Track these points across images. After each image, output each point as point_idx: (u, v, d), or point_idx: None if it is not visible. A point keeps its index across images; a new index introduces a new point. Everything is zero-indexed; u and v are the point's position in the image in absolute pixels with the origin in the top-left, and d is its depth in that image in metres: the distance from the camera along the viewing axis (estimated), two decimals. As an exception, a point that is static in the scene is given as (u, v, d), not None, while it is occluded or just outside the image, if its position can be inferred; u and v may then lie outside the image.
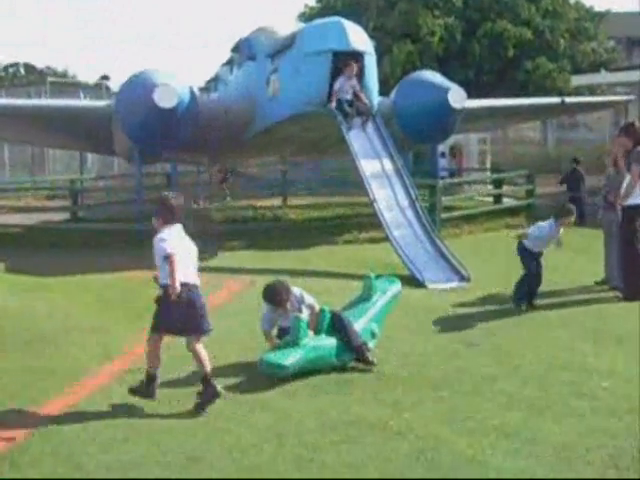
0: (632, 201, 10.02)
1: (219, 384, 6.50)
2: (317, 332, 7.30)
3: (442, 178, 18.60)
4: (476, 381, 6.97)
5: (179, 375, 7.20)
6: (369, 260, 12.81)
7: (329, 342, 7.26)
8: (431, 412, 6.25)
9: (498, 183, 20.62)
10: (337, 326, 7.38)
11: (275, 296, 7.43)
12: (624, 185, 10.08)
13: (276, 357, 6.96)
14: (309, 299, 7.54)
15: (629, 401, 6.43)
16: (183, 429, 5.95)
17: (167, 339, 6.71)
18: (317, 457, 5.43)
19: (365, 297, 8.02)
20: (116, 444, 5.70)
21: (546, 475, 5.12)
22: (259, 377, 7.07)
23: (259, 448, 5.60)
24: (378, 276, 8.51)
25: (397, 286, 8.50)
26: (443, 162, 25.97)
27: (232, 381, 7.04)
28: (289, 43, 15.13)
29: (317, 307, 7.50)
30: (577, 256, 13.23)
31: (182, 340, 6.60)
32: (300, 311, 7.38)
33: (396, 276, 10.87)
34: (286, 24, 18.96)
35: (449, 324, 9.09)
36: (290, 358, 6.91)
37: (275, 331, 7.62)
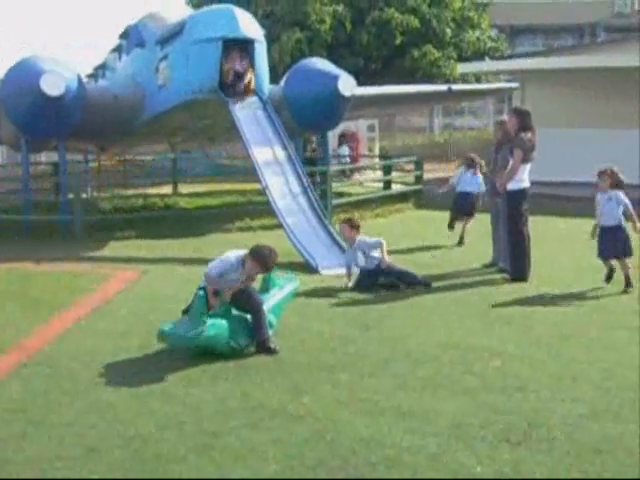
0: (516, 185, 10.34)
1: (113, 376, 6.47)
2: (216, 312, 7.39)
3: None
4: (372, 363, 7.12)
5: (73, 369, 7.13)
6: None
7: (229, 323, 7.32)
8: (329, 395, 6.35)
9: (387, 169, 20.94)
10: (250, 309, 7.47)
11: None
12: (507, 170, 10.40)
13: (175, 328, 7.16)
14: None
15: (519, 379, 6.67)
16: (82, 422, 5.88)
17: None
18: (218, 443, 5.46)
19: (263, 289, 8.07)
20: (13, 440, 5.61)
21: (440, 451, 5.28)
22: (157, 366, 7.08)
23: (159, 437, 5.60)
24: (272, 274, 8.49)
25: (295, 284, 8.57)
26: (345, 150, 26.26)
27: (130, 371, 7.01)
28: (179, 30, 14.99)
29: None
30: (465, 238, 13.58)
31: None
32: None
33: (290, 263, 11.05)
34: (176, 10, 18.68)
35: (344, 309, 9.23)
36: (189, 330, 7.06)
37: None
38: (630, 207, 9.83)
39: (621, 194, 9.84)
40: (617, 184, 9.88)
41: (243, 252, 7.54)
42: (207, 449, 5.38)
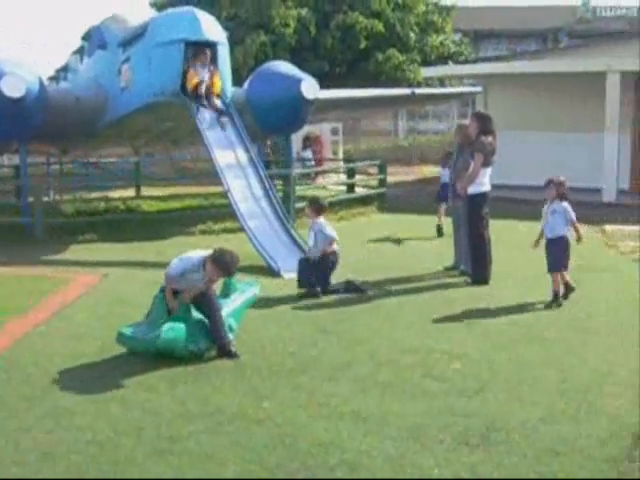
0: (477, 189, 10.42)
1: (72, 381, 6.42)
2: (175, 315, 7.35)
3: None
4: (332, 367, 7.12)
5: (31, 374, 7.07)
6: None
7: (188, 326, 7.29)
8: (289, 399, 6.35)
9: (351, 173, 20.99)
10: (208, 313, 7.45)
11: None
12: (467, 173, 10.47)
13: (134, 331, 7.19)
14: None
15: (478, 381, 6.71)
16: (39, 428, 5.83)
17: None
18: (176, 448, 5.44)
19: (224, 294, 8.05)
20: (-32, 446, 5.56)
21: (399, 454, 5.30)
22: (116, 371, 7.04)
23: (117, 442, 5.56)
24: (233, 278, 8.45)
25: (256, 288, 8.54)
26: (308, 153, 26.26)
27: (89, 375, 6.96)
28: (141, 32, 14.93)
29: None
30: (428, 242, 13.66)
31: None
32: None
33: (252, 266, 11.04)
34: (139, 11, 18.58)
35: (305, 312, 9.22)
36: (147, 333, 7.09)
37: None
38: (574, 219, 9.61)
39: (566, 206, 9.60)
40: (562, 195, 9.65)
41: (205, 253, 7.48)
42: (165, 454, 5.36)
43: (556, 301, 9.42)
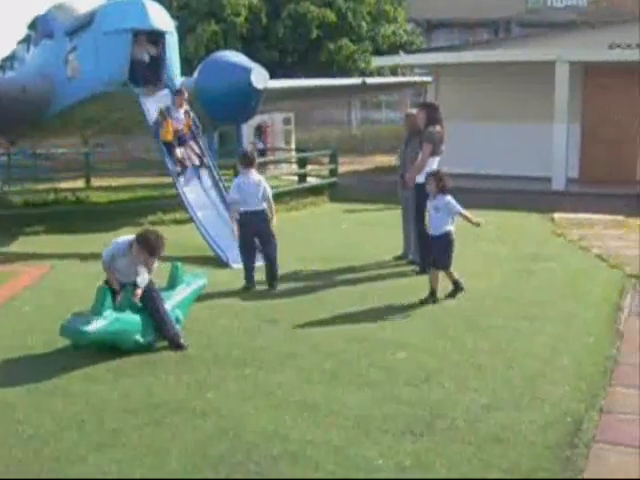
0: (424, 178, 10.43)
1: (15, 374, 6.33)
2: (120, 307, 7.25)
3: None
4: (278, 358, 7.11)
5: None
6: (175, 241, 12.68)
7: (134, 317, 7.24)
8: (234, 390, 6.32)
9: (302, 162, 20.96)
10: (150, 308, 7.37)
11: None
12: (415, 163, 10.48)
13: (78, 323, 6.96)
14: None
15: (424, 370, 6.73)
16: (-21, 421, 5.76)
17: None
18: (119, 441, 5.39)
19: (170, 285, 7.98)
20: None
21: (343, 444, 5.29)
22: (60, 364, 6.95)
23: (59, 436, 5.50)
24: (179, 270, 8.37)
25: (202, 280, 8.49)
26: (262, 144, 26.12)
27: (33, 368, 6.87)
28: (88, 21, 14.71)
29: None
30: (378, 231, 13.68)
31: None
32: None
33: (201, 257, 10.98)
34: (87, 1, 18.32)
35: (252, 303, 9.18)
36: (92, 325, 6.89)
37: None
38: (462, 211, 9.23)
39: (448, 200, 9.21)
40: (443, 188, 9.22)
41: (132, 236, 7.41)
42: (107, 448, 5.31)
43: (432, 297, 9.05)
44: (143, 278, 7.41)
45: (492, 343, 7.51)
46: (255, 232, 9.89)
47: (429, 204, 9.43)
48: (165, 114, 13.41)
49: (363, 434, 5.48)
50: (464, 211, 9.28)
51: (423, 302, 8.97)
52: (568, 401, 6.03)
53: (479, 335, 7.78)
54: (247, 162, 10.04)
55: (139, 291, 7.40)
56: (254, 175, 9.94)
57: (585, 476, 4.89)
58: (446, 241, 9.18)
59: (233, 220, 10.19)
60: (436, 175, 9.37)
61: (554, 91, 19.29)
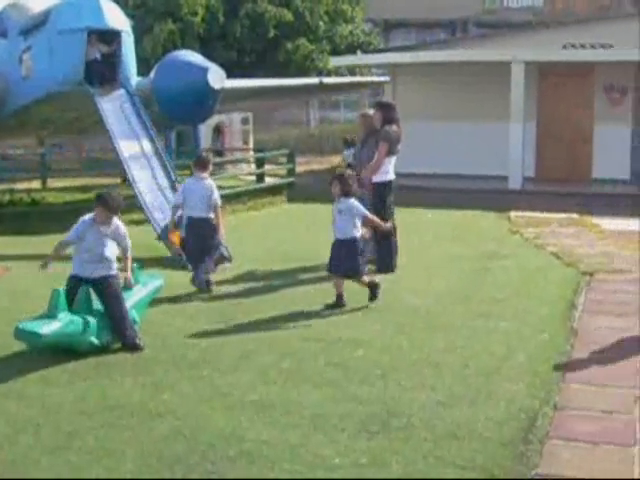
0: (382, 178, 10.48)
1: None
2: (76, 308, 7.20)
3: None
4: (235, 358, 7.10)
5: None
6: (131, 242, 12.61)
7: (89, 319, 7.17)
8: (191, 391, 6.30)
9: (260, 162, 20.95)
10: (112, 306, 7.34)
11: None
12: (372, 162, 10.52)
13: (32, 325, 6.85)
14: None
15: (381, 368, 6.76)
16: None
17: None
18: (74, 444, 5.35)
19: (127, 287, 7.93)
20: None
21: (300, 443, 5.30)
22: (16, 366, 6.90)
23: (14, 440, 5.45)
24: (141, 268, 8.34)
25: (159, 281, 8.46)
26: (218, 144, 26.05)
27: (-15, 371, 6.81)
28: (43, 20, 14.62)
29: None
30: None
31: None
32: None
33: (158, 258, 10.92)
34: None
35: (209, 304, 9.15)
36: (47, 327, 6.81)
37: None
38: (368, 215, 9.04)
39: (351, 203, 8.90)
40: (347, 191, 8.89)
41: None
42: (63, 451, 5.27)
43: (340, 302, 8.80)
44: (111, 250, 7.49)
45: (448, 341, 7.55)
46: (199, 239, 9.77)
47: (334, 207, 9.07)
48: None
49: (319, 433, 5.49)
50: (370, 215, 9.08)
51: (329, 307, 8.73)
52: (523, 397, 6.09)
53: (436, 333, 7.82)
54: (200, 165, 9.97)
55: (129, 275, 7.61)
56: (206, 180, 9.82)
57: (539, 471, 4.94)
58: (353, 247, 8.80)
59: (171, 224, 10.16)
60: (340, 178, 9.03)
61: (510, 91, 19.47)
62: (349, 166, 18.56)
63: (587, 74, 20.79)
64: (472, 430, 5.49)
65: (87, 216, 7.49)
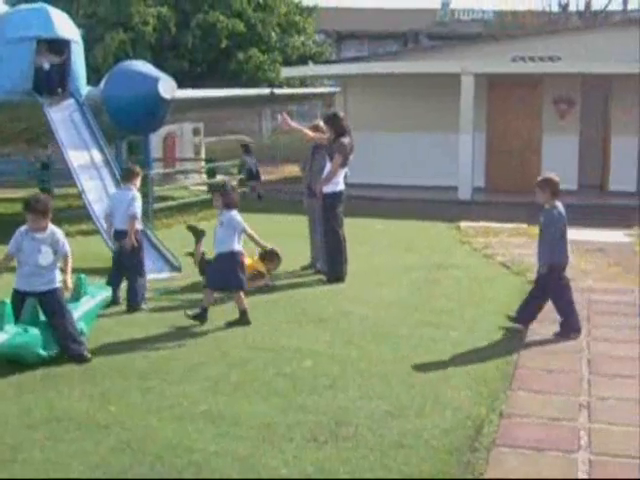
0: (332, 188, 10.53)
1: None
2: (22, 320, 7.10)
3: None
4: (184, 368, 7.07)
5: None
6: (80, 253, 12.48)
7: (36, 331, 7.08)
8: (139, 402, 6.26)
9: (211, 173, 20.92)
10: (54, 323, 7.24)
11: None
12: (325, 173, 10.57)
13: None
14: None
15: (329, 378, 6.78)
16: None
17: None
18: (19, 457, 5.27)
19: (75, 297, 7.86)
20: None
21: (248, 454, 5.30)
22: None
23: (-43, 455, 5.38)
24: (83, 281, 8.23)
25: (107, 292, 8.42)
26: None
27: None
28: (-9, 29, 14.46)
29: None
30: (286, 241, 13.67)
31: None
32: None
33: (107, 269, 10.81)
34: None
35: (160, 314, 9.11)
36: None
37: None
38: (248, 230, 8.82)
39: (232, 216, 8.70)
40: (228, 204, 8.71)
41: None
42: (7, 464, 5.19)
43: (244, 321, 8.56)
44: (47, 258, 7.28)
45: (396, 351, 7.61)
46: (120, 253, 9.56)
47: (217, 218, 8.93)
48: None
49: (268, 443, 5.49)
50: (250, 231, 8.87)
51: (192, 317, 8.56)
52: (469, 405, 6.15)
53: (384, 343, 7.87)
54: (126, 177, 9.88)
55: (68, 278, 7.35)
56: (130, 192, 9.52)
57: (485, 478, 4.99)
58: (233, 260, 8.58)
59: (109, 233, 10.05)
60: (221, 190, 8.91)
61: (460, 102, 19.68)
62: (249, 171, 19.62)
63: (535, 86, 21.10)
64: (419, 439, 5.53)
65: (23, 226, 7.39)
